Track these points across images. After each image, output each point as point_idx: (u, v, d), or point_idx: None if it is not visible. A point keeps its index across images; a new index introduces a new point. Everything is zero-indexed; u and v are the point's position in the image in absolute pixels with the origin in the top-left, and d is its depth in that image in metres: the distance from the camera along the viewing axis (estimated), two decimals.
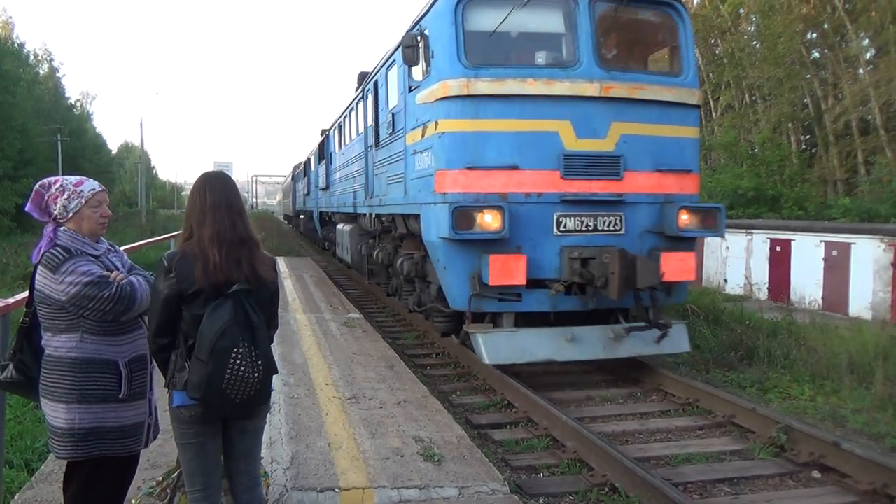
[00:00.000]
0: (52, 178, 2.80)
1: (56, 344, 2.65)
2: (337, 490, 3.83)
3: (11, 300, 3.36)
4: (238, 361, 2.43)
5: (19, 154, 30.74)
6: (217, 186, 2.67)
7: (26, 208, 2.77)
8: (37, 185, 2.76)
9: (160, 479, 2.81)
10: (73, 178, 2.81)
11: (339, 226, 14.20)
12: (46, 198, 2.72)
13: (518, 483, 4.40)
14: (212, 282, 2.51)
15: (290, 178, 37.40)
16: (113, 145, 79.85)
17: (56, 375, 2.64)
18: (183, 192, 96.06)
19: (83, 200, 2.73)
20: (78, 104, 52.12)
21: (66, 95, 48.32)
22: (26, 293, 3.71)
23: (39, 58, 45.58)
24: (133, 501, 2.78)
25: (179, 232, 2.86)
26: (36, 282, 2.65)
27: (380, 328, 9.65)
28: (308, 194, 24.11)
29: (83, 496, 2.74)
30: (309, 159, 23.77)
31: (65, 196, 2.71)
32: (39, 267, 2.65)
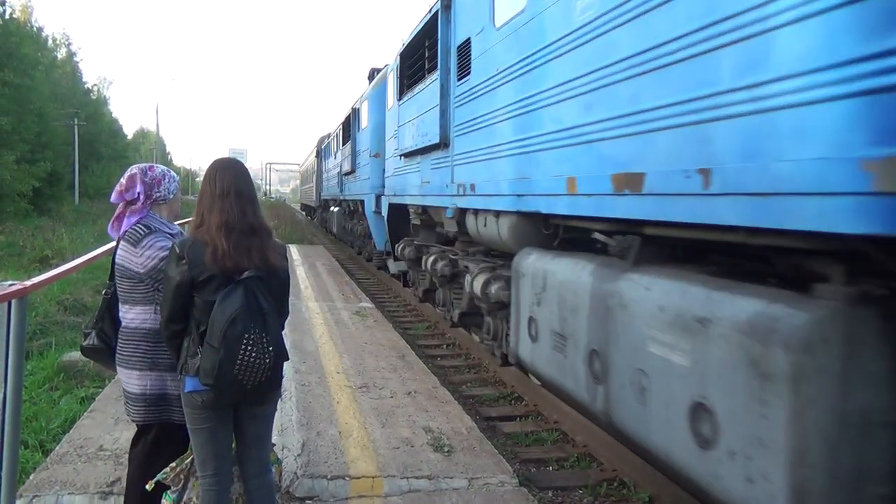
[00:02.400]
0: (147, 165, 3.07)
1: (132, 315, 2.85)
2: (347, 478, 3.85)
3: (29, 283, 3.38)
4: (249, 348, 2.45)
5: (37, 137, 30.97)
6: (228, 174, 2.69)
7: (113, 195, 3.02)
8: (135, 171, 2.99)
9: (174, 464, 2.84)
10: (161, 167, 3.10)
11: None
12: (149, 181, 2.96)
13: (527, 476, 4.40)
14: (221, 269, 2.53)
15: (315, 153, 27.38)
16: (129, 130, 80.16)
17: (132, 345, 2.84)
18: (197, 179, 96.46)
19: (177, 185, 3.06)
20: (95, 89, 52.25)
21: (84, 80, 48.50)
22: (44, 276, 3.81)
23: (57, 42, 45.77)
24: (147, 487, 2.81)
25: (192, 218, 2.90)
26: (117, 255, 2.87)
27: (391, 318, 9.67)
28: (351, 172, 14.65)
29: (147, 458, 2.91)
30: (355, 112, 14.20)
31: (166, 180, 3.00)
32: (122, 241, 2.87)
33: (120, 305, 2.90)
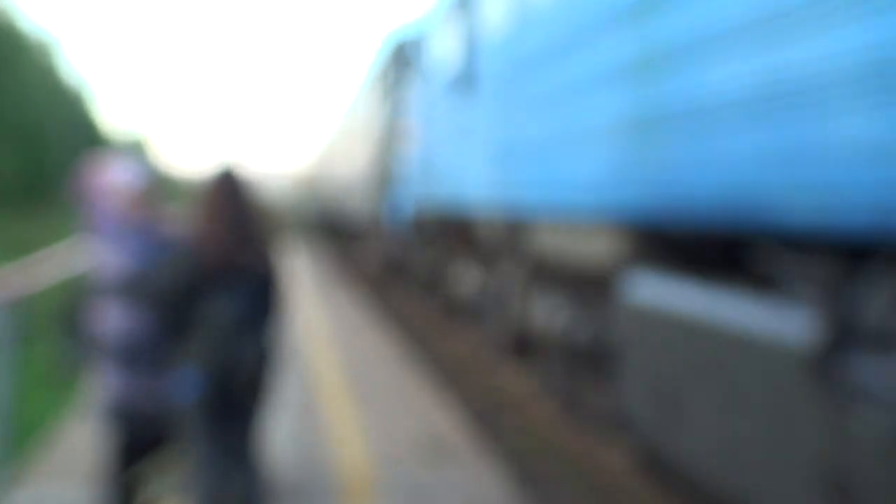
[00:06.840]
0: (100, 167, 2.84)
1: (103, 320, 2.72)
2: (341, 475, 3.84)
3: (38, 284, 3.36)
4: (240, 352, 2.46)
5: (33, 143, 30.92)
6: (225, 180, 2.67)
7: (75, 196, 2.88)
8: (84, 173, 2.81)
9: (168, 466, 2.81)
10: (117, 168, 2.83)
11: None
12: (92, 185, 2.79)
13: (527, 473, 4.38)
14: (214, 275, 2.53)
15: (378, 86, 10.67)
16: (119, 137, 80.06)
17: (101, 350, 2.72)
18: (184, 186, 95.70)
19: (120, 188, 2.76)
20: (85, 95, 51.98)
21: (75, 86, 48.25)
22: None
23: (49, 48, 45.52)
24: (143, 486, 2.78)
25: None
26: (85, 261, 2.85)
27: (390, 317, 9.65)
28: None
29: (122, 456, 2.80)
30: None
31: (106, 183, 2.77)
32: (88, 245, 2.79)
33: (93, 308, 2.77)
